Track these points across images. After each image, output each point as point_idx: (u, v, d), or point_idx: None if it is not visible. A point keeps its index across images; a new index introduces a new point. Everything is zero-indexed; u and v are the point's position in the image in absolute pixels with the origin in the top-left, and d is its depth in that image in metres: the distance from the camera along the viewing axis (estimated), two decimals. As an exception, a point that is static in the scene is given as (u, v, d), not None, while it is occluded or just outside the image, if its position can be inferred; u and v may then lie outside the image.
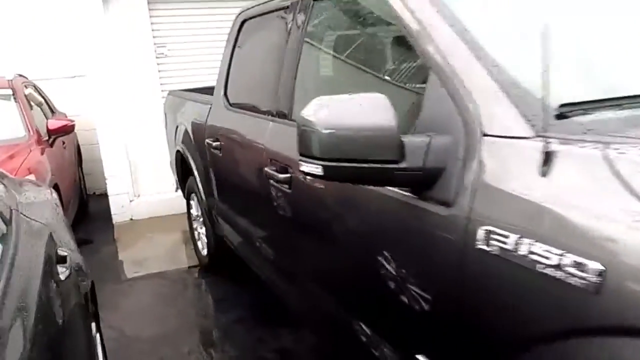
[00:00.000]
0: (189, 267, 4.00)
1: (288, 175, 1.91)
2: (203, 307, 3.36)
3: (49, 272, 1.49)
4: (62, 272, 1.61)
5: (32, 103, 4.66)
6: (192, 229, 4.14)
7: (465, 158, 1.11)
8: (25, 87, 4.76)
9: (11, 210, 1.67)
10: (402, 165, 1.15)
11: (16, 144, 3.88)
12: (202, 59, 5.34)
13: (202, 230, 3.80)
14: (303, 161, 1.23)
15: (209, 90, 4.40)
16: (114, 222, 5.30)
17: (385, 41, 1.80)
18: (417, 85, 1.44)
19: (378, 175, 1.17)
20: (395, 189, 1.30)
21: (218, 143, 2.79)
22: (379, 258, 1.40)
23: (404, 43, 1.45)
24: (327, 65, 2.08)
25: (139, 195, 5.44)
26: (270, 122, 2.16)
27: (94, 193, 6.69)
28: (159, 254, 4.34)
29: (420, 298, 1.27)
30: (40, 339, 1.23)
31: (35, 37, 6.20)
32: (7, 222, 1.57)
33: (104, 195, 5.93)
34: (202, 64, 5.33)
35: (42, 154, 3.95)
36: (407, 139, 1.16)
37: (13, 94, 4.33)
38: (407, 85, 1.54)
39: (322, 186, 1.68)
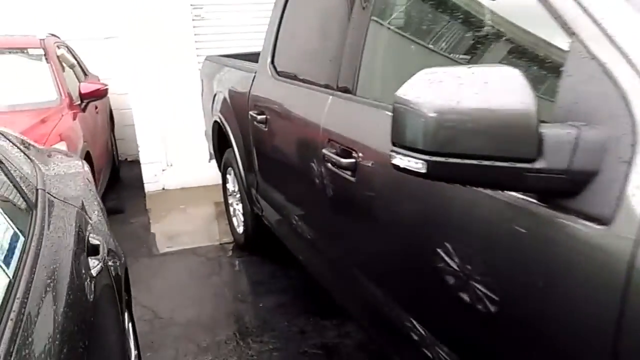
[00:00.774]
0: (223, 244, 3.80)
1: (352, 160, 1.63)
2: (239, 290, 3.16)
3: (79, 268, 1.27)
4: (94, 266, 1.39)
5: (64, 65, 4.46)
6: (227, 205, 3.92)
7: (631, 160, 0.82)
8: (58, 47, 4.56)
9: (37, 190, 1.45)
10: (539, 165, 0.86)
11: (47, 107, 3.69)
12: (242, 23, 5.06)
13: (239, 207, 3.57)
14: (397, 152, 0.95)
15: (250, 57, 4.13)
16: (145, 191, 5.14)
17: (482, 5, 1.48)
18: (546, 62, 1.14)
19: (503, 177, 0.88)
20: (512, 192, 1.02)
21: (263, 116, 2.53)
22: (466, 268, 1.14)
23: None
24: (406, 32, 1.77)
25: (171, 165, 5.25)
26: (330, 97, 1.88)
27: (126, 159, 6.55)
28: (192, 228, 4.15)
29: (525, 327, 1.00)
30: (69, 343, 1.02)
31: (69, -4, 5.99)
32: (32, 207, 1.34)
33: (136, 162, 5.78)
34: (242, 28, 5.04)
35: (74, 119, 3.76)
36: (548, 131, 0.87)
37: (45, 55, 4.13)
38: (529, 61, 1.23)
39: (401, 178, 1.40)
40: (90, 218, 1.66)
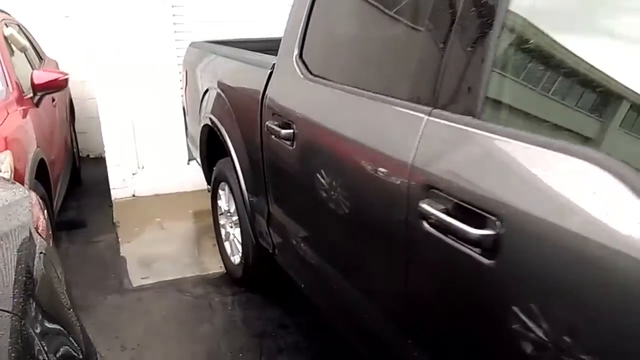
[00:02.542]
0: (212, 275, 3.10)
1: (489, 232, 0.98)
2: (239, 346, 2.46)
3: None
4: None
5: (14, 47, 3.63)
6: (217, 225, 3.22)
7: None
8: (6, 25, 3.72)
9: None
10: None
11: (-11, 102, 2.89)
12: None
13: (235, 233, 2.88)
14: None
15: (248, 45, 3.43)
16: (113, 198, 4.36)
17: None
18: None
19: None
20: None
21: (289, 131, 1.85)
22: None
23: None
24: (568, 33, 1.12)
25: (143, 167, 4.49)
26: (424, 118, 1.22)
27: (88, 156, 5.73)
28: (172, 251, 3.43)
29: None
30: None
31: (21, -36, 5.09)
32: None
33: (101, 159, 4.99)
34: (233, 7, 4.33)
35: (24, 117, 2.97)
36: None
37: (-13, 34, 3.30)
38: None
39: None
40: (38, 328, 0.95)
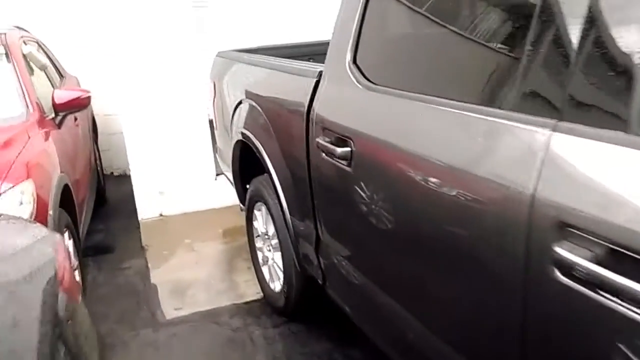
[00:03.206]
0: (250, 304, 2.85)
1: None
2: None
3: None
4: None
5: (34, 66, 3.46)
6: (252, 248, 2.98)
7: None
8: (25, 43, 3.55)
9: None
10: None
11: (9, 125, 2.70)
12: (256, 9, 4.12)
13: (275, 257, 2.63)
14: None
15: (278, 51, 3.21)
16: (139, 219, 4.16)
17: None
18: None
19: None
20: None
21: (345, 149, 1.59)
22: None
23: None
24: None
25: (169, 185, 4.28)
26: (548, 135, 0.95)
27: (112, 173, 5.56)
28: (204, 276, 3.19)
29: None
30: None
31: (39, -20, 4.96)
32: None
33: (124, 177, 4.82)
34: (258, 14, 4.11)
35: (46, 139, 2.78)
36: None
37: (6, 54, 3.13)
38: None
39: None
40: None
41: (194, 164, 4.26)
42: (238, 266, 3.32)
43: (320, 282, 2.10)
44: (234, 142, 2.84)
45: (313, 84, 1.87)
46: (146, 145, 4.08)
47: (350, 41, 1.69)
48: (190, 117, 4.15)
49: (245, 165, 2.91)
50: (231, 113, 2.86)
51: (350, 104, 1.66)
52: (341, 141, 1.63)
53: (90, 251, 3.59)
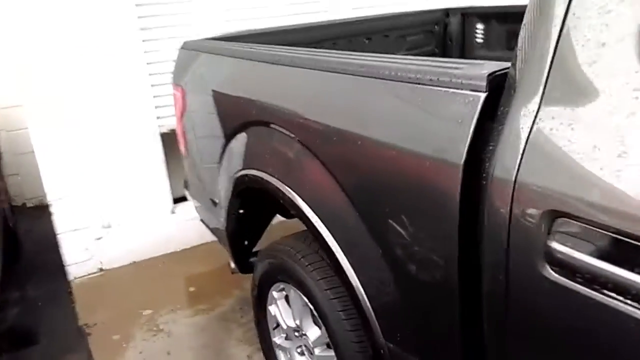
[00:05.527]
0: None
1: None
2: None
3: None
4: None
5: None
6: (265, 341, 1.95)
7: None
8: None
9: None
10: None
11: None
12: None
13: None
14: None
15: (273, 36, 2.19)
16: (71, 278, 2.98)
17: None
18: None
19: None
20: None
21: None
22: None
23: None
24: None
25: (109, 226, 3.11)
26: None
27: (24, 205, 4.24)
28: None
29: None
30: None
31: None
32: None
33: (42, 208, 3.60)
34: None
35: None
36: None
37: None
38: None
39: None
40: None
41: (142, 195, 3.12)
42: (234, 356, 2.27)
43: None
44: (231, 187, 1.78)
45: (480, 105, 0.88)
46: (72, 173, 2.90)
47: None
48: (134, 132, 3.01)
49: (249, 218, 1.88)
50: (222, 142, 1.80)
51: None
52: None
53: (2, 345, 2.40)
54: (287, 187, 1.44)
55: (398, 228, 1.06)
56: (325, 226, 1.30)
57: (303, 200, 1.38)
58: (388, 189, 1.09)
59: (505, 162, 0.83)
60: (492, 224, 0.85)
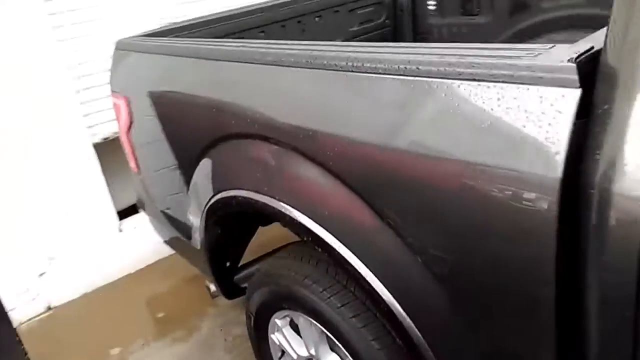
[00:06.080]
0: None
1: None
2: None
3: None
4: None
5: None
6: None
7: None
8: None
9: None
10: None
11: None
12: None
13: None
14: None
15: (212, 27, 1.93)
16: (17, 325, 2.61)
17: None
18: None
19: None
20: None
21: None
22: None
23: None
24: None
25: (53, 258, 2.75)
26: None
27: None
28: None
29: None
30: None
31: None
32: None
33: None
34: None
35: None
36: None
37: None
38: None
39: None
40: None
41: (83, 216, 2.77)
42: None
43: None
44: (204, 210, 1.53)
45: (575, 105, 0.71)
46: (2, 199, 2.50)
47: None
48: (62, 146, 2.63)
49: (228, 246, 1.65)
50: (190, 159, 1.53)
51: None
52: None
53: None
54: (310, 219, 1.18)
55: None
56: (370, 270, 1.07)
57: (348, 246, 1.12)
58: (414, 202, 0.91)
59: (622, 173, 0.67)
60: (611, 250, 0.69)
